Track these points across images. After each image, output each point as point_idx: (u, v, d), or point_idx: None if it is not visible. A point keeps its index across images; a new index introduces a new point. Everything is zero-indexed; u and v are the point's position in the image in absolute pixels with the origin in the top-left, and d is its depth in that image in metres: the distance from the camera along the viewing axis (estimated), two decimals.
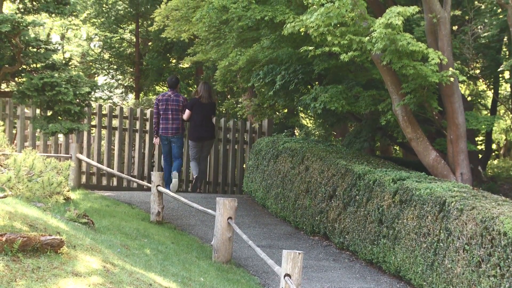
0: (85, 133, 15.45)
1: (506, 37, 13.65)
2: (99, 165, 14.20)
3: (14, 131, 15.19)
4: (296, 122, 19.74)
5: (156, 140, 14.79)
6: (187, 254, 9.40)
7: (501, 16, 12.77)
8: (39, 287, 5.78)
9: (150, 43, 22.31)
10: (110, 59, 23.51)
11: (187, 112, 14.37)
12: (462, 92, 16.13)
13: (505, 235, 7.19)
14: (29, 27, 10.69)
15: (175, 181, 14.30)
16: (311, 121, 23.12)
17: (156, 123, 14.54)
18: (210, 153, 15.92)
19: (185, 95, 20.40)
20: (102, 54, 24.07)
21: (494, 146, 20.89)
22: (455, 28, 13.45)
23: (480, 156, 14.69)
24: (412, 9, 9.47)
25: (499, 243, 7.26)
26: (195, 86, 22.31)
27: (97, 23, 22.59)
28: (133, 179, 13.38)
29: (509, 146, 22.43)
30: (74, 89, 11.06)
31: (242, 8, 11.66)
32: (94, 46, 25.95)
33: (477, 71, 13.88)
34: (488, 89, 16.22)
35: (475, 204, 7.96)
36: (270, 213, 13.20)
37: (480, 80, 15.11)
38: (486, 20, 12.72)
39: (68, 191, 11.06)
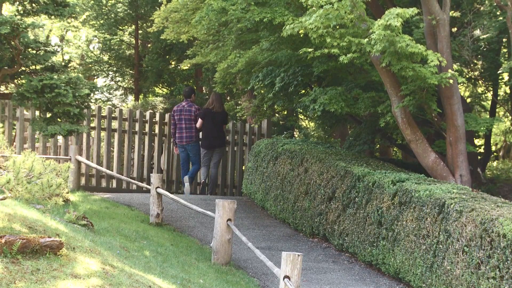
0: (85, 135, 15.46)
1: (505, 39, 13.66)
2: (99, 167, 14.20)
3: (13, 133, 15.18)
4: (295, 124, 19.74)
5: (176, 150, 15.53)
6: (187, 256, 9.40)
7: (500, 18, 12.78)
8: None
9: (149, 45, 22.30)
10: (110, 61, 23.49)
11: (199, 121, 14.99)
12: (462, 94, 16.14)
13: (505, 236, 7.19)
14: (28, 29, 10.69)
15: (187, 185, 14.91)
16: (311, 123, 23.12)
17: (173, 133, 15.29)
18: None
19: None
20: (101, 56, 24.04)
21: (493, 148, 20.90)
22: (454, 30, 13.45)
23: (479, 158, 14.69)
24: (411, 11, 9.47)
25: (498, 245, 7.27)
26: (195, 87, 22.32)
27: (96, 25, 22.57)
28: (133, 181, 13.39)
29: (508, 148, 22.44)
30: (74, 91, 11.05)
31: (241, 10, 11.65)
32: (94, 48, 25.94)
33: (476, 73, 13.89)
34: (487, 91, 16.23)
35: (475, 206, 7.97)
36: (269, 215, 13.20)
37: (480, 82, 15.12)
38: (485, 22, 12.72)
39: (67, 193, 11.03)
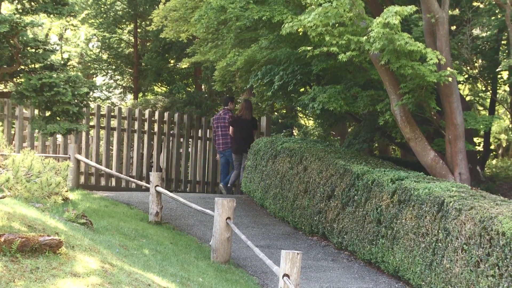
0: (84, 134, 15.47)
1: (504, 37, 13.66)
2: (98, 166, 14.20)
3: (12, 132, 15.18)
4: (294, 122, 19.75)
5: (217, 156, 16.19)
6: (186, 254, 9.40)
7: (499, 16, 12.77)
8: (38, 287, 5.78)
9: (148, 44, 22.30)
10: (109, 60, 23.49)
11: (230, 128, 15.49)
12: (462, 92, 16.14)
13: (504, 235, 7.20)
14: (27, 28, 10.69)
15: (223, 188, 15.56)
16: (310, 121, 23.12)
17: (214, 141, 15.90)
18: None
19: (184, 95, 20.42)
20: (100, 55, 24.05)
21: (492, 146, 20.91)
22: (453, 28, 13.45)
23: (478, 156, 14.70)
24: (410, 9, 9.46)
25: (497, 243, 7.27)
26: (194, 85, 22.33)
27: (95, 24, 22.56)
28: (132, 179, 13.38)
29: (507, 146, 22.45)
30: (73, 89, 11.06)
31: (240, 8, 11.66)
32: (93, 46, 25.93)
33: (476, 71, 13.89)
34: (486, 89, 16.24)
35: (474, 204, 7.97)
36: (268, 213, 13.20)
37: (479, 80, 15.13)
38: (484, 20, 12.71)
39: (67, 191, 11.06)
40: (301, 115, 22.08)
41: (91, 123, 15.73)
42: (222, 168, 15.81)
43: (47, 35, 25.20)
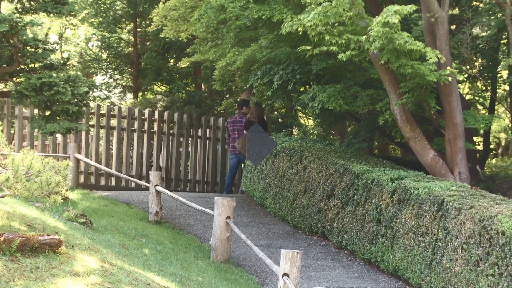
0: (83, 133, 15.46)
1: (504, 37, 13.65)
2: (97, 165, 14.19)
3: (12, 131, 15.18)
4: (294, 122, 19.76)
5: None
6: (186, 253, 9.40)
7: (499, 16, 12.77)
8: (38, 287, 5.78)
9: (148, 43, 22.29)
10: (108, 59, 23.49)
11: (244, 132, 15.48)
12: (461, 91, 16.13)
13: (503, 234, 7.20)
14: (27, 27, 10.69)
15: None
16: (310, 121, 23.12)
17: (228, 143, 16.09)
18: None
19: (183, 94, 20.42)
20: (100, 54, 24.04)
21: (492, 145, 20.91)
22: (453, 27, 13.45)
23: (478, 155, 14.70)
24: (409, 8, 9.46)
25: (497, 242, 7.27)
26: (193, 85, 22.32)
27: (95, 23, 22.56)
28: (131, 178, 13.37)
29: (507, 145, 22.46)
30: (72, 89, 11.05)
31: (239, 7, 11.65)
32: (92, 45, 25.92)
33: (475, 71, 13.89)
34: (486, 88, 16.25)
35: (473, 203, 7.97)
36: (268, 212, 13.20)
37: (479, 80, 15.13)
38: (484, 20, 12.71)
39: (66, 191, 11.05)
40: (301, 115, 22.08)
41: (91, 123, 15.73)
42: (231, 168, 15.84)
43: (46, 34, 25.18)
